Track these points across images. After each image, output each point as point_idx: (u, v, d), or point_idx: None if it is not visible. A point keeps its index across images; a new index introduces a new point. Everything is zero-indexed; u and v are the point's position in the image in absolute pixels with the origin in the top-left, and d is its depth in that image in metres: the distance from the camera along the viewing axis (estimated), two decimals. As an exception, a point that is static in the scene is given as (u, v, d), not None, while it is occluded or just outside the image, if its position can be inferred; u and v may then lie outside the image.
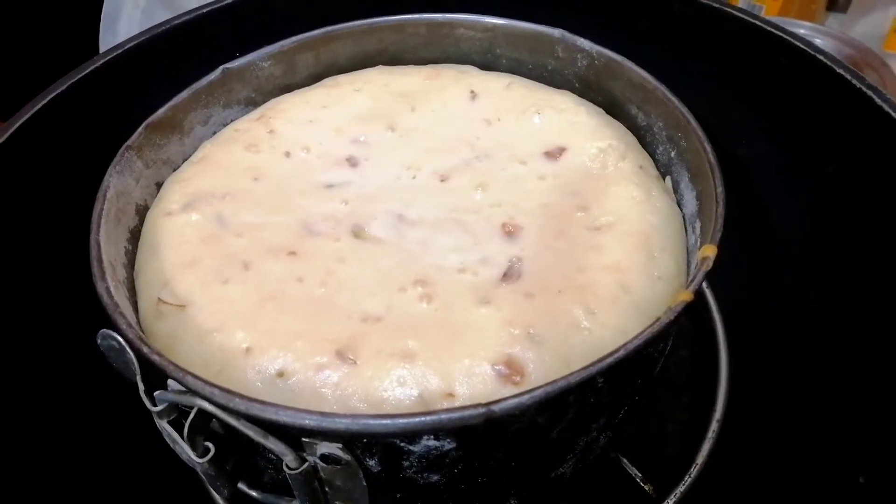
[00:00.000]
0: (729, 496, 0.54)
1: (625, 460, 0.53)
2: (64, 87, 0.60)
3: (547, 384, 0.36)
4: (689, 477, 0.52)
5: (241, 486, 0.47)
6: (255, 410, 0.36)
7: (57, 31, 1.01)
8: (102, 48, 0.96)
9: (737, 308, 0.62)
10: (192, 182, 0.54)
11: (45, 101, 0.59)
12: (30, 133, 0.57)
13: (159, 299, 0.47)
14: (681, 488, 0.51)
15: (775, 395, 0.58)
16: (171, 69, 0.61)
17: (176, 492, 0.56)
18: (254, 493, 0.47)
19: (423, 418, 0.35)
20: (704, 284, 0.63)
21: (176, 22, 0.67)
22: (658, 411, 0.53)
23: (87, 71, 0.62)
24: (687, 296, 0.40)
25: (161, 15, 0.96)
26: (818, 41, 1.01)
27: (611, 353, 0.37)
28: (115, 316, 0.41)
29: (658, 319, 0.39)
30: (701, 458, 0.53)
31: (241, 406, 0.36)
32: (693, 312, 0.63)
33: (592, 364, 0.37)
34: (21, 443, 0.54)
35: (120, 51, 0.64)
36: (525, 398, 0.35)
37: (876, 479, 0.48)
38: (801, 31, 1.02)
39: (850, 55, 1.01)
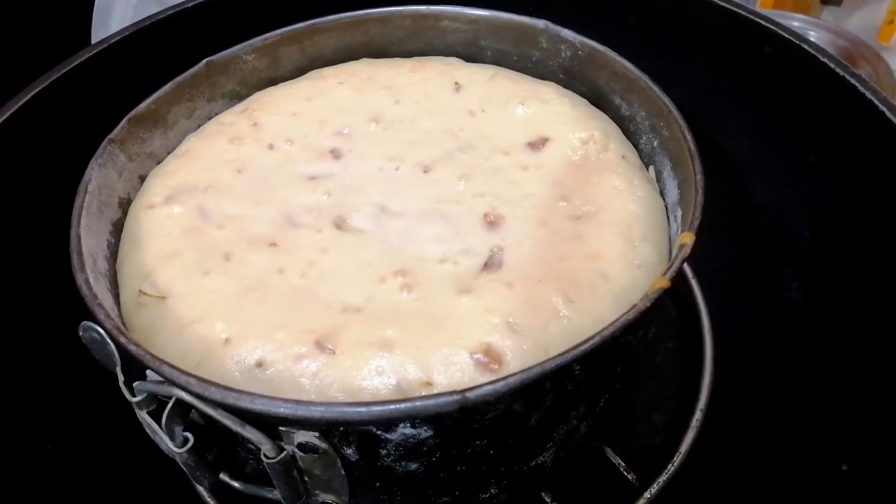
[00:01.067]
0: (712, 485, 0.54)
1: (608, 450, 0.53)
2: (49, 81, 0.60)
3: (522, 371, 0.36)
4: (673, 466, 0.52)
5: (223, 476, 0.47)
6: (231, 399, 0.36)
7: (50, 26, 1.01)
8: (94, 37, 0.96)
9: (722, 299, 0.62)
10: (175, 175, 0.54)
11: (30, 95, 0.59)
12: (14, 126, 0.57)
13: (140, 291, 0.47)
14: (663, 477, 0.51)
15: (759, 385, 0.58)
16: (156, 63, 0.61)
17: (162, 484, 0.56)
18: (236, 484, 0.47)
19: (397, 405, 0.35)
20: (690, 275, 0.63)
21: (161, 16, 0.67)
22: (642, 401, 0.53)
23: (72, 65, 0.62)
24: (664, 283, 0.40)
25: (152, 10, 0.96)
26: (812, 34, 1.01)
27: (586, 340, 0.37)
28: (94, 307, 0.41)
29: (635, 306, 0.39)
30: (684, 448, 0.53)
31: (217, 395, 0.37)
32: (679, 303, 0.63)
33: (568, 351, 0.37)
34: (6, 435, 0.54)
35: (105, 45, 0.64)
36: (500, 385, 0.35)
37: (859, 466, 0.48)
38: (796, 24, 1.01)
39: (845, 47, 1.00)
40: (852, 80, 0.54)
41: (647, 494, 0.51)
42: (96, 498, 0.56)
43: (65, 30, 0.98)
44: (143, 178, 0.55)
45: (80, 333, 0.43)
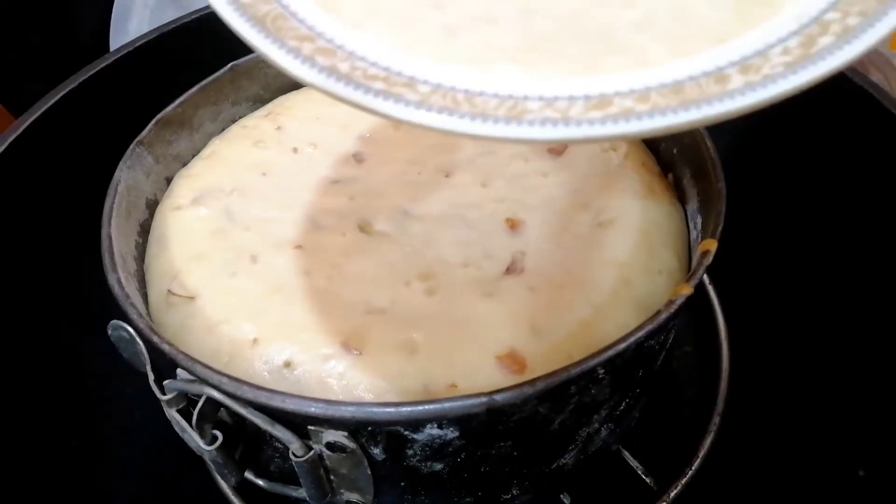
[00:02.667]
0: (730, 489, 0.55)
1: (626, 453, 0.53)
2: (75, 84, 0.61)
3: (548, 375, 0.37)
4: (691, 470, 0.52)
5: (248, 474, 0.47)
6: (263, 398, 0.37)
7: (68, 29, 1.02)
8: (113, 46, 0.98)
9: (738, 304, 0.63)
10: (201, 177, 0.55)
11: (56, 98, 0.60)
12: (42, 129, 0.58)
13: (169, 291, 0.48)
14: (682, 481, 0.52)
15: (776, 390, 0.58)
16: (181, 66, 0.62)
17: (185, 481, 0.57)
18: (260, 482, 0.48)
19: (426, 406, 0.36)
20: (707, 280, 0.64)
21: (185, 20, 0.68)
22: (660, 405, 0.54)
23: (98, 68, 0.63)
24: (687, 289, 0.41)
25: (170, 14, 0.97)
26: (824, 41, 1.01)
27: (611, 345, 0.38)
28: (126, 307, 0.42)
29: (658, 312, 0.39)
30: (702, 452, 0.53)
31: (249, 394, 0.37)
32: (695, 308, 0.63)
33: (593, 356, 0.37)
34: (30, 430, 0.55)
35: (131, 48, 0.65)
36: (527, 388, 0.36)
37: (876, 472, 0.49)
38: (807, 31, 1.02)
39: (857, 55, 1.01)
40: (870, 90, 0.55)
41: (665, 498, 0.52)
42: (120, 494, 0.56)
43: (83, 33, 0.99)
44: (169, 180, 0.56)
45: (109, 332, 0.44)
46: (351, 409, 0.36)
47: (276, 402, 0.37)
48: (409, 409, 0.36)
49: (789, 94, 0.25)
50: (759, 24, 0.29)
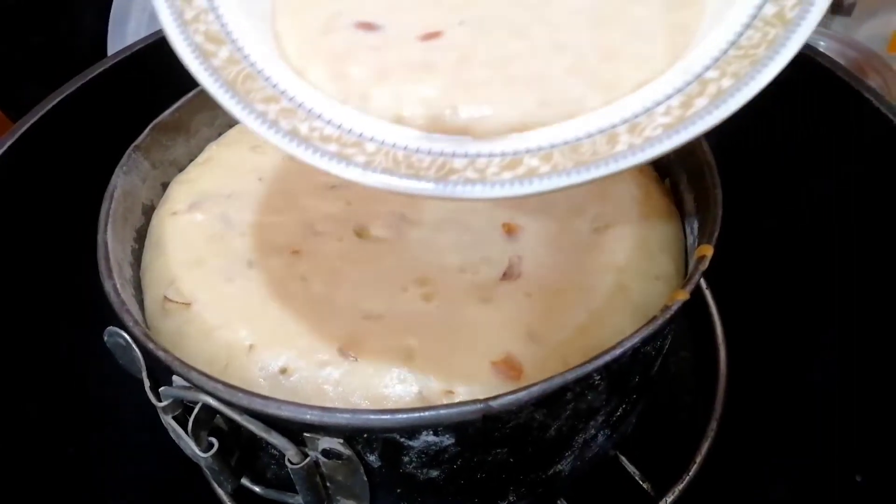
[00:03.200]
0: (727, 495, 0.55)
1: (623, 458, 0.53)
2: (73, 89, 0.61)
3: (544, 381, 0.36)
4: (688, 475, 0.52)
5: (244, 481, 0.47)
6: (258, 405, 0.37)
7: (66, 31, 1.02)
8: (110, 49, 0.98)
9: (736, 308, 0.63)
10: (197, 182, 0.55)
11: (54, 103, 0.60)
12: (39, 134, 0.58)
13: (165, 297, 0.48)
14: (679, 486, 0.52)
15: (773, 395, 0.58)
16: (178, 71, 0.62)
17: (181, 487, 0.57)
18: (257, 489, 0.48)
19: (422, 413, 0.36)
20: (704, 285, 0.64)
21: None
22: (657, 411, 0.54)
23: (96, 73, 0.63)
24: (683, 295, 0.41)
25: (168, 18, 0.97)
26: (822, 44, 1.01)
27: (607, 351, 0.38)
28: (122, 313, 0.42)
29: (654, 318, 0.39)
30: (700, 457, 0.53)
31: (244, 401, 0.37)
32: (692, 313, 0.63)
33: (589, 361, 0.37)
34: (27, 436, 0.55)
35: (128, 53, 0.65)
36: (522, 394, 0.36)
37: (873, 478, 0.49)
38: (805, 34, 1.02)
39: (855, 58, 1.01)
40: (867, 95, 0.55)
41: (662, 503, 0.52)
42: (117, 500, 0.56)
43: (80, 37, 0.99)
44: (165, 186, 0.56)
45: (105, 338, 0.44)
46: (346, 416, 0.36)
47: (272, 410, 0.37)
48: (404, 416, 0.36)
49: (659, 157, 0.29)
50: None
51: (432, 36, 0.35)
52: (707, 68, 0.31)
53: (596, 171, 0.29)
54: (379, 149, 0.32)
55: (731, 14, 0.32)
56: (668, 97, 0.31)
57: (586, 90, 0.32)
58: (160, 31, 0.67)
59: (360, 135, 0.32)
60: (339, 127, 0.33)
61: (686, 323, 0.64)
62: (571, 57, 0.34)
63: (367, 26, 0.37)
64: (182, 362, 0.39)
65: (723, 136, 0.52)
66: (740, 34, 0.31)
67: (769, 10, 0.31)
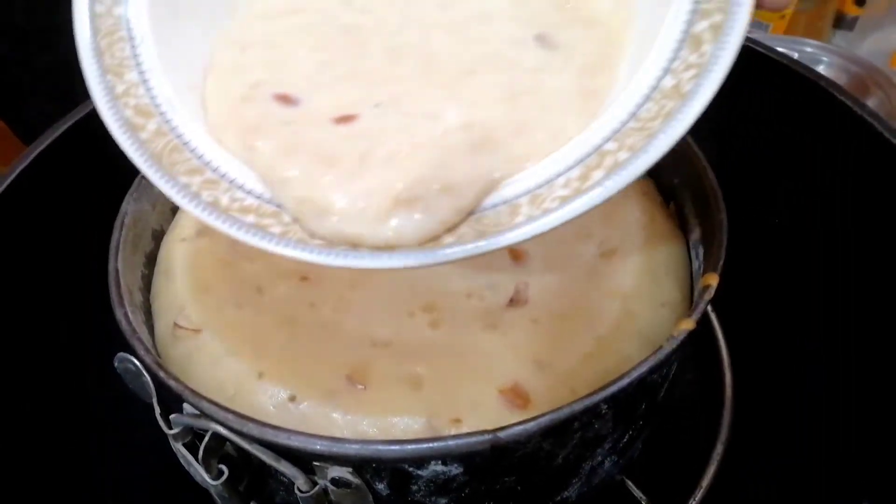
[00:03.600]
0: (733, 519, 0.55)
1: (630, 483, 0.53)
2: (83, 114, 0.62)
3: (552, 411, 0.37)
4: (694, 500, 0.52)
5: (252, 506, 0.48)
6: (269, 435, 0.37)
7: (72, 53, 1.03)
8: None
9: (742, 332, 0.63)
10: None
11: (65, 128, 0.61)
12: (51, 158, 0.59)
13: (175, 324, 0.48)
14: (686, 511, 0.52)
15: (779, 419, 0.58)
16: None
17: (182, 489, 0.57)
18: (265, 514, 0.48)
19: (431, 444, 0.36)
20: (709, 309, 0.64)
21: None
22: (663, 435, 0.54)
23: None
24: (689, 324, 0.41)
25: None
26: (824, 59, 1.02)
27: (614, 381, 0.38)
28: (133, 341, 0.43)
29: (661, 348, 0.40)
30: (706, 481, 0.53)
31: (255, 431, 0.38)
32: (698, 337, 0.64)
33: (596, 391, 0.38)
34: (37, 459, 0.55)
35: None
36: (531, 425, 0.36)
37: (879, 502, 0.49)
38: (808, 50, 1.02)
39: (857, 73, 1.01)
40: (869, 119, 0.55)
41: (668, 528, 0.52)
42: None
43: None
44: (175, 211, 0.57)
45: (116, 364, 0.44)
46: (356, 446, 0.37)
47: (282, 440, 0.37)
48: (413, 446, 0.36)
49: (552, 228, 0.30)
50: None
51: (346, 119, 0.36)
52: (606, 140, 0.31)
53: (495, 242, 0.31)
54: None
55: (633, 85, 0.32)
56: (570, 168, 0.32)
57: (495, 165, 0.33)
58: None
59: (279, 206, 0.33)
60: (259, 197, 0.34)
61: (692, 347, 0.64)
62: (480, 134, 0.34)
63: (285, 99, 0.37)
64: (193, 391, 0.39)
65: (727, 158, 0.53)
66: (640, 106, 0.31)
67: (668, 82, 0.31)
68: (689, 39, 0.31)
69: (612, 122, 0.32)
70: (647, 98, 0.31)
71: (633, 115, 0.31)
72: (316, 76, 0.38)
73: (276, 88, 0.37)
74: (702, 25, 0.31)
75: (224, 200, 0.34)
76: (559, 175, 0.32)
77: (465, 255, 0.31)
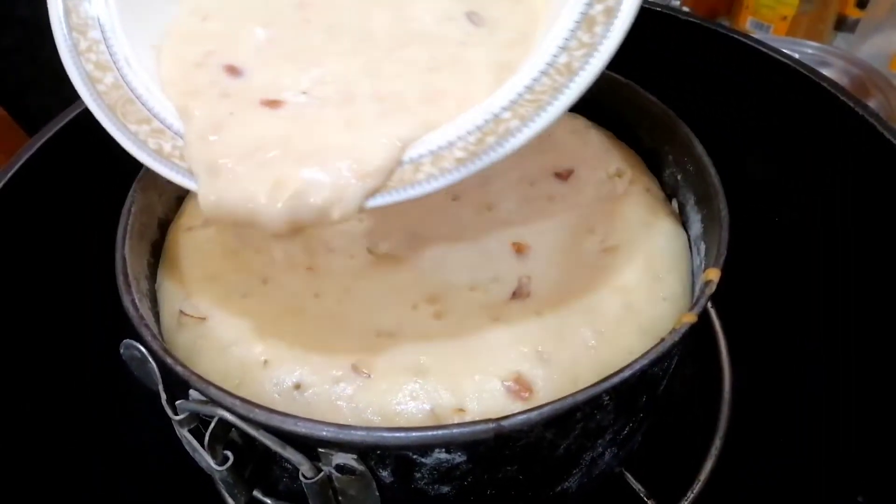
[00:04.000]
0: (731, 512, 0.55)
1: (629, 475, 0.54)
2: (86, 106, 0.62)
3: (555, 401, 0.37)
4: (692, 492, 0.53)
5: (256, 493, 0.48)
6: (275, 421, 0.38)
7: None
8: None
9: (741, 327, 0.63)
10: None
11: (70, 117, 0.61)
12: (57, 148, 0.59)
13: (181, 312, 0.49)
14: (684, 503, 0.53)
15: (777, 414, 0.59)
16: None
17: (190, 499, 0.58)
18: (269, 501, 0.48)
19: (435, 432, 0.37)
20: (709, 305, 0.65)
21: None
22: (662, 428, 0.54)
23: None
24: (691, 318, 0.42)
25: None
26: (826, 61, 1.02)
27: (617, 373, 0.39)
28: (141, 328, 0.43)
29: (663, 340, 0.40)
30: (703, 475, 0.54)
31: (262, 417, 0.38)
32: (698, 333, 0.64)
33: (599, 382, 0.38)
34: (42, 447, 0.56)
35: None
36: (534, 414, 0.37)
37: (875, 498, 0.49)
38: (809, 52, 1.03)
39: (857, 76, 1.02)
40: (871, 119, 0.56)
41: (666, 520, 0.53)
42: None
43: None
44: (181, 200, 0.57)
45: (122, 351, 0.45)
46: (361, 433, 0.37)
47: (289, 426, 0.37)
48: (418, 434, 0.37)
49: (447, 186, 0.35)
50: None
51: (273, 104, 0.39)
52: (504, 109, 0.35)
53: (396, 196, 0.35)
54: None
55: (535, 60, 0.35)
56: (469, 133, 0.35)
57: (403, 132, 0.36)
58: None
59: None
60: None
61: (692, 342, 0.65)
62: (392, 104, 0.38)
63: (232, 70, 0.41)
64: (200, 377, 0.40)
65: (729, 156, 0.53)
66: (537, 80, 0.35)
67: (562, 59, 0.34)
68: (586, 20, 0.34)
69: (511, 93, 0.35)
70: (544, 73, 0.34)
71: (530, 88, 0.35)
72: (263, 51, 0.42)
73: (226, 59, 0.41)
74: (598, 8, 0.34)
75: (167, 147, 0.38)
76: (459, 139, 0.35)
77: (373, 205, 0.35)
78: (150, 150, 0.38)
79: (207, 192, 0.36)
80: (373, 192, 0.35)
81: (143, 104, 0.39)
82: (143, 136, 0.38)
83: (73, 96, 0.64)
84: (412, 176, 0.35)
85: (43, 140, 0.60)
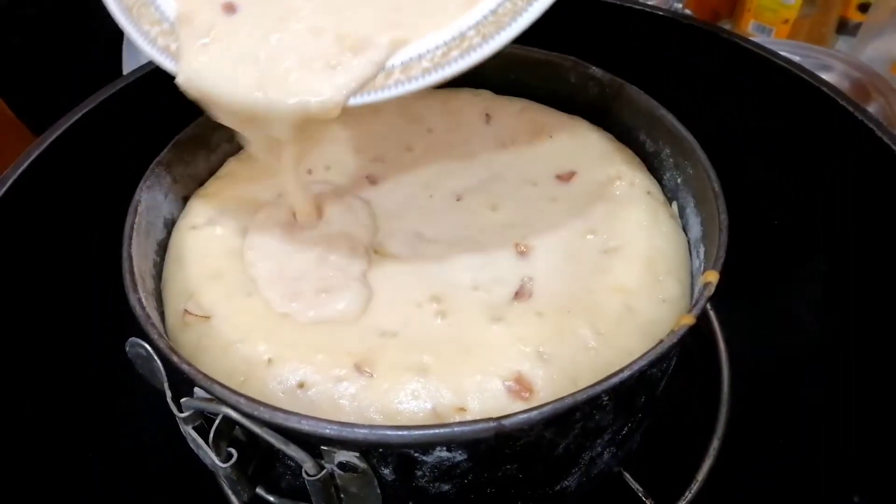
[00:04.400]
0: (728, 512, 0.56)
1: (627, 475, 0.54)
2: (96, 104, 0.62)
3: (555, 401, 0.38)
4: (690, 493, 0.54)
5: (259, 490, 0.49)
6: (279, 419, 0.38)
7: (81, 41, 1.04)
8: (126, 60, 0.99)
9: (739, 329, 0.64)
10: (216, 197, 0.57)
11: (77, 116, 0.62)
12: (64, 146, 0.60)
13: (185, 311, 0.49)
14: (682, 503, 0.53)
15: (774, 415, 0.59)
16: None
17: (192, 496, 0.59)
18: (271, 499, 0.49)
19: (437, 430, 0.37)
20: (708, 306, 0.65)
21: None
22: (661, 429, 0.55)
23: (117, 88, 0.64)
24: (689, 319, 0.42)
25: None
26: (827, 65, 1.03)
27: (616, 373, 0.39)
28: (147, 326, 0.44)
29: (661, 342, 0.41)
30: (701, 476, 0.54)
31: (266, 415, 0.38)
32: (697, 334, 0.65)
33: (598, 383, 0.39)
34: (41, 446, 0.56)
35: (150, 68, 0.66)
36: (534, 413, 0.37)
37: (870, 498, 0.50)
38: (811, 55, 1.03)
39: (859, 79, 1.02)
40: (870, 124, 0.56)
41: (664, 519, 0.53)
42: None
43: (96, 49, 1.00)
44: (185, 199, 0.57)
45: (127, 349, 0.45)
46: (364, 431, 0.38)
47: (292, 423, 0.38)
48: (420, 432, 0.37)
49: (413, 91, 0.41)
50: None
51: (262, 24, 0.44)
52: (470, 28, 0.40)
53: (370, 97, 0.42)
54: None
55: None
56: (437, 48, 0.41)
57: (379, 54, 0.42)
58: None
59: None
60: None
61: (691, 343, 0.66)
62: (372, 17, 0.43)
63: (229, 7, 0.45)
64: (205, 375, 0.40)
65: (729, 160, 0.54)
66: (500, 4, 0.40)
67: None
68: None
69: (477, 16, 0.40)
70: None
71: (493, 11, 0.40)
72: None
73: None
74: None
75: (173, 46, 0.44)
76: (428, 52, 0.41)
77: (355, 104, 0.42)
78: (160, 48, 0.44)
79: (191, 59, 0.43)
80: (348, 92, 0.42)
81: (156, 9, 0.45)
82: (153, 35, 0.44)
83: (80, 96, 0.65)
84: (384, 82, 0.41)
85: (50, 139, 0.60)
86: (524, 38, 0.63)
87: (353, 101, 0.42)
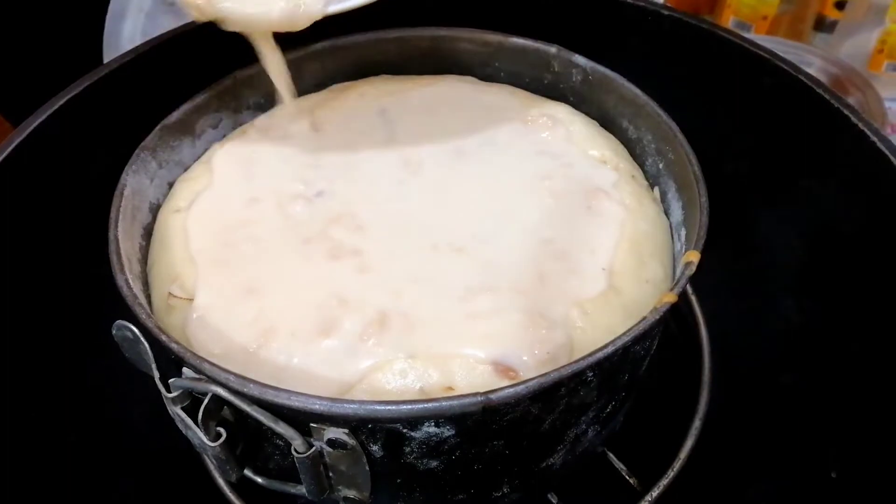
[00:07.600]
0: (710, 490, 0.57)
1: (611, 454, 0.55)
2: (79, 90, 0.62)
3: (541, 376, 0.39)
4: (672, 471, 0.55)
5: (247, 472, 0.49)
6: (269, 395, 0.39)
7: (60, 31, 1.03)
8: (106, 50, 0.98)
9: (719, 313, 0.65)
10: (200, 181, 0.57)
11: (61, 102, 0.61)
12: (48, 133, 0.59)
13: (169, 293, 0.49)
14: (664, 481, 0.54)
15: (754, 395, 0.61)
16: (184, 75, 0.64)
17: (181, 478, 0.58)
18: (259, 480, 0.49)
19: (425, 405, 0.38)
20: (690, 290, 0.66)
21: (185, 29, 0.69)
22: (644, 409, 0.56)
23: (102, 74, 0.64)
24: (671, 297, 0.43)
25: (165, 20, 0.98)
26: (805, 60, 1.05)
27: (600, 349, 0.40)
28: (135, 307, 0.44)
29: (644, 318, 0.42)
30: (684, 454, 0.56)
31: (255, 391, 0.39)
32: (679, 317, 0.66)
33: (583, 358, 0.39)
34: (28, 433, 0.56)
35: (134, 55, 0.66)
36: (521, 388, 0.38)
37: (847, 474, 0.51)
38: (789, 51, 1.05)
39: (836, 75, 1.04)
40: (846, 111, 0.58)
41: (647, 498, 0.54)
42: (115, 490, 0.57)
43: (76, 36, 1.00)
44: (171, 185, 0.57)
45: (114, 332, 0.45)
46: (354, 406, 0.38)
47: (282, 399, 0.38)
48: (409, 406, 0.38)
49: None
50: None
51: None
52: None
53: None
54: None
55: None
56: None
57: None
58: (164, 34, 0.69)
59: None
60: None
61: (673, 325, 0.67)
62: None
63: None
64: (194, 354, 0.41)
65: (710, 147, 0.55)
66: None
67: None
68: None
69: None
70: None
71: None
72: None
73: None
74: None
75: None
76: None
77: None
78: None
79: None
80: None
81: None
82: None
83: (58, 88, 0.65)
84: None
85: (34, 125, 0.59)
86: (509, 26, 0.64)
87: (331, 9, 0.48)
